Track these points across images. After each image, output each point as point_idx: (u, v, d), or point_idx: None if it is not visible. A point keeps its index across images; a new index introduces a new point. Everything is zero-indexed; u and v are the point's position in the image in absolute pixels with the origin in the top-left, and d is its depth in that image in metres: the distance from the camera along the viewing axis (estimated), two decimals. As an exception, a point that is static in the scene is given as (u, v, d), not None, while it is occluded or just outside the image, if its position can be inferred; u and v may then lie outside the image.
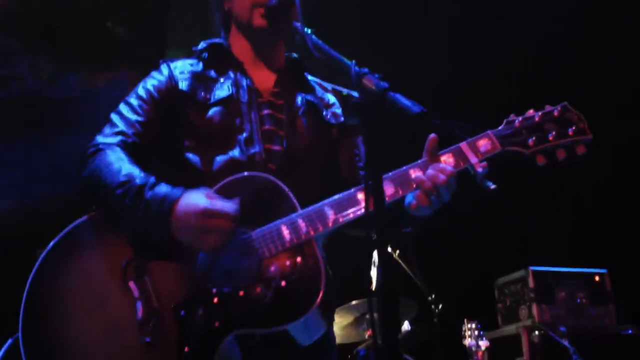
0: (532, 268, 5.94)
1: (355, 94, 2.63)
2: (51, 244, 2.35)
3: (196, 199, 2.25)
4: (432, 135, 2.35)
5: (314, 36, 2.31)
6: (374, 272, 4.90)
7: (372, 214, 1.85)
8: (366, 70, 2.03)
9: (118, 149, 2.44)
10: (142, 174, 2.34)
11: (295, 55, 2.77)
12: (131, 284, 2.28)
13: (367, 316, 5.51)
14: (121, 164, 2.37)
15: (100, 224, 2.39)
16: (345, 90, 2.74)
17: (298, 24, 2.39)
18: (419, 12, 6.02)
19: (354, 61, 2.09)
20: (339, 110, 2.71)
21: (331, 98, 2.75)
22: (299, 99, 2.66)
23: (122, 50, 5.72)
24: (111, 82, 5.48)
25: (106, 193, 2.33)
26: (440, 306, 5.22)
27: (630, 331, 5.83)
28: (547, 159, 2.37)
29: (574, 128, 2.37)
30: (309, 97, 2.68)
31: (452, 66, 6.19)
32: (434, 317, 5.23)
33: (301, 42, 2.37)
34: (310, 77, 2.79)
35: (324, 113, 2.69)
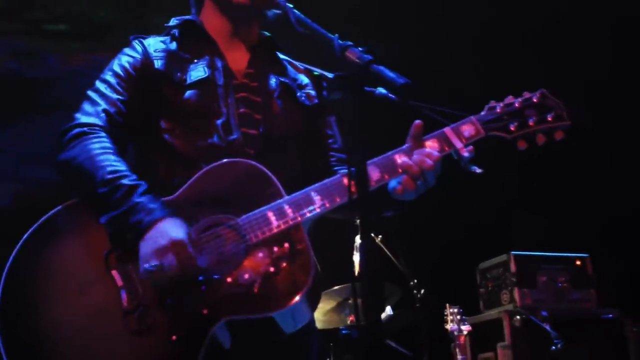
0: (513, 252, 5.96)
1: (329, 74, 2.62)
2: (29, 230, 2.29)
3: (179, 229, 2.22)
4: (417, 121, 2.36)
5: (296, 10, 2.28)
6: (356, 257, 4.91)
7: (357, 199, 1.83)
8: (350, 43, 2.01)
9: (102, 135, 2.37)
10: (132, 175, 2.30)
11: (266, 33, 2.72)
12: (114, 273, 2.23)
13: (350, 301, 5.50)
14: (107, 157, 2.31)
15: (80, 211, 2.33)
16: (317, 70, 2.72)
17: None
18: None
19: (336, 35, 2.06)
20: (312, 92, 2.68)
21: (304, 79, 2.71)
22: (273, 81, 2.61)
23: (101, 33, 5.66)
24: (91, 62, 5.40)
25: (88, 185, 2.28)
26: (422, 291, 5.22)
27: (611, 315, 5.87)
28: (527, 143, 2.45)
29: (552, 114, 2.46)
30: (283, 79, 2.64)
31: (445, 50, 6.18)
32: (416, 302, 5.23)
33: (281, 17, 2.34)
34: (281, 56, 2.74)
35: (298, 94, 2.65)
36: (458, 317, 5.18)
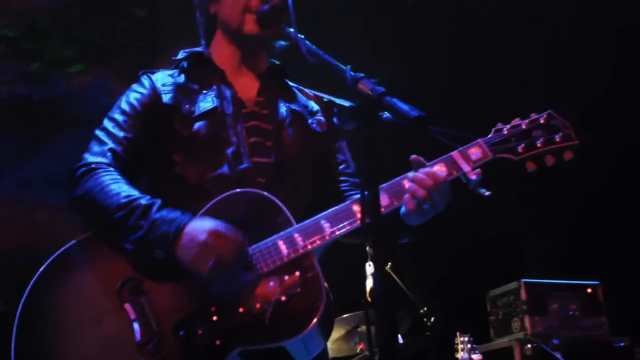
0: (524, 280, 5.90)
1: (338, 100, 2.63)
2: (44, 265, 2.30)
3: (206, 221, 2.23)
4: (414, 157, 2.36)
5: (307, 41, 2.29)
6: (368, 284, 4.87)
7: (368, 225, 1.82)
8: (362, 75, 2.01)
9: (111, 169, 2.39)
10: (146, 195, 2.31)
11: (275, 61, 2.73)
12: (127, 306, 2.24)
13: (359, 329, 5.45)
14: (119, 186, 2.33)
15: (92, 246, 2.34)
16: (327, 97, 2.73)
17: (291, 30, 2.36)
18: (418, 22, 6.02)
19: (349, 66, 2.06)
20: (323, 118, 2.68)
21: (314, 105, 2.72)
22: (283, 109, 2.62)
23: (111, 56, 5.68)
24: (99, 86, 5.43)
25: (105, 214, 2.28)
26: (432, 319, 5.17)
27: (623, 343, 5.80)
28: (536, 164, 2.44)
29: (560, 134, 2.45)
30: (293, 106, 2.65)
31: (448, 74, 6.19)
32: (426, 329, 5.18)
33: (291, 47, 2.34)
34: (291, 83, 2.75)
35: (309, 121, 2.65)
36: (468, 345, 5.13)
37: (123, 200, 2.28)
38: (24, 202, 5.97)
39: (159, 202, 2.29)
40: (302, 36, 2.31)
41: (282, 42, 2.58)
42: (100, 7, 5.54)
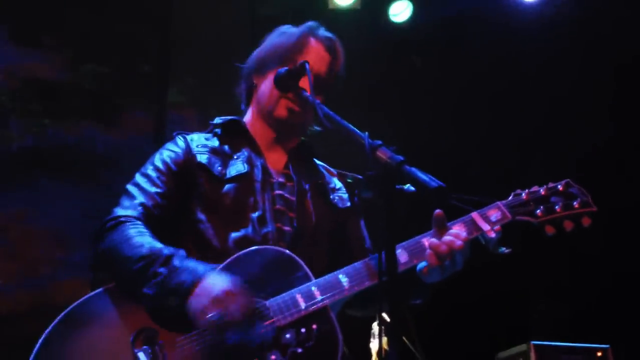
0: (533, 342, 5.80)
1: (359, 177, 2.70)
2: (62, 314, 2.33)
3: (224, 277, 2.25)
4: (438, 211, 2.39)
5: (324, 106, 2.32)
6: (373, 345, 4.78)
7: (386, 282, 1.83)
8: (380, 142, 2.00)
9: (139, 223, 2.42)
10: (169, 247, 2.33)
11: (306, 140, 2.83)
12: (140, 355, 2.23)
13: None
14: (143, 238, 2.35)
15: (110, 297, 2.36)
16: (349, 174, 2.81)
17: (308, 94, 2.39)
18: (422, 83, 6.08)
19: (366, 133, 2.05)
20: (345, 195, 2.77)
21: (337, 183, 2.81)
22: (307, 183, 2.70)
23: (120, 111, 5.69)
24: (109, 142, 5.43)
25: (128, 263, 2.30)
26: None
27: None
28: (555, 229, 2.48)
29: (579, 200, 2.50)
30: (318, 181, 2.74)
31: (455, 138, 6.21)
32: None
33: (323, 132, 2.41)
34: (317, 162, 2.85)
35: (331, 197, 2.73)
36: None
37: (146, 251, 2.30)
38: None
39: (182, 252, 2.32)
40: (319, 101, 2.33)
41: (317, 127, 2.72)
42: (107, 61, 5.58)
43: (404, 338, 5.17)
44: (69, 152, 5.33)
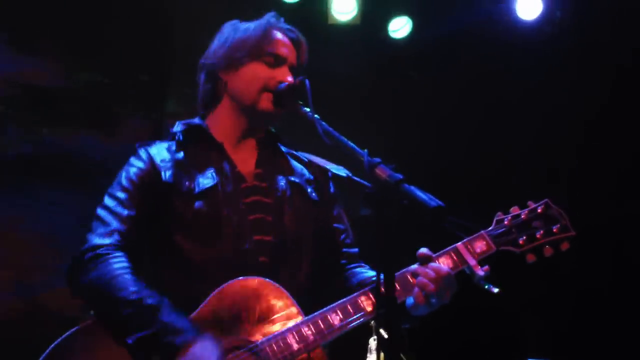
0: (529, 360, 5.80)
1: (329, 165, 2.64)
2: (44, 353, 2.29)
3: (210, 347, 2.21)
4: (422, 251, 2.42)
5: (323, 122, 2.30)
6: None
7: (382, 314, 1.85)
8: (379, 159, 2.00)
9: (119, 254, 2.37)
10: (154, 294, 2.29)
11: (272, 129, 2.76)
12: None
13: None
14: (128, 277, 2.30)
15: (94, 334, 2.33)
16: (320, 162, 2.71)
17: (308, 110, 2.37)
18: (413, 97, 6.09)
19: (366, 150, 2.05)
20: (319, 185, 2.73)
21: (307, 172, 2.74)
22: (282, 182, 2.62)
23: (118, 120, 5.68)
24: (106, 150, 5.41)
25: (113, 307, 2.27)
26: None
27: None
28: (536, 256, 2.54)
29: (558, 226, 2.54)
30: (292, 178, 2.66)
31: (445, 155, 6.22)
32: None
33: (310, 126, 2.36)
34: (283, 148, 2.76)
35: (308, 190, 2.67)
36: None
37: (132, 297, 2.25)
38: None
39: (165, 302, 2.27)
40: (319, 117, 2.32)
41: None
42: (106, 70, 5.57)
43: (401, 355, 5.17)
44: (66, 159, 5.31)
